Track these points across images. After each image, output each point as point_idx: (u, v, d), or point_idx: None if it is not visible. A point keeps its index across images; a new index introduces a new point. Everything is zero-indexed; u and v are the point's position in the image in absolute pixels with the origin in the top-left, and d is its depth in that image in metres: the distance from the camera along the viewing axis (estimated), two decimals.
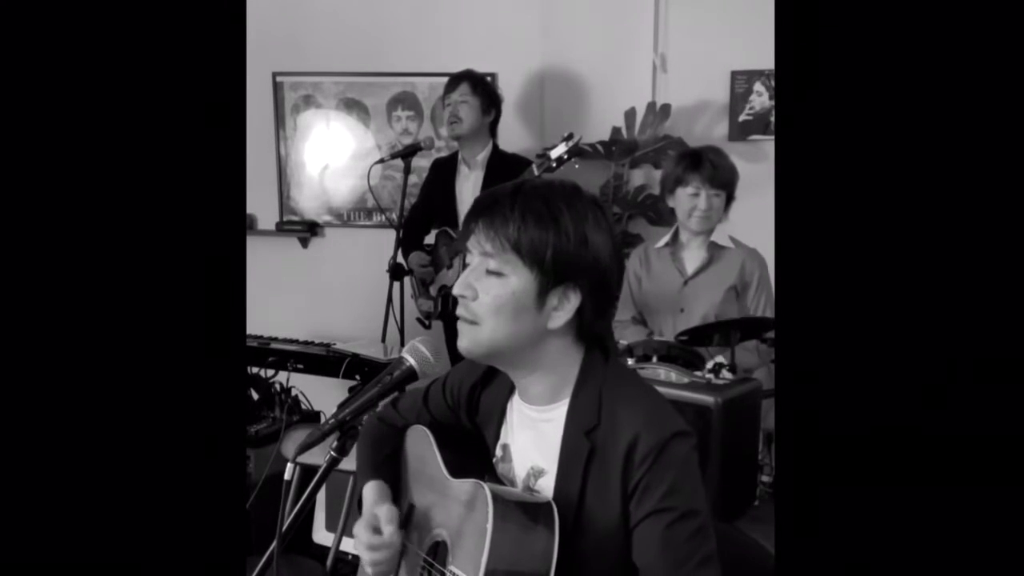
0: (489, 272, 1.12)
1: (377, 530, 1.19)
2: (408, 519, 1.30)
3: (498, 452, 1.26)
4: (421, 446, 1.31)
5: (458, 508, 1.16)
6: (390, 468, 1.35)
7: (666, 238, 2.56)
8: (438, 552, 1.20)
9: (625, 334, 2.55)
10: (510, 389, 1.25)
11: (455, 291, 1.15)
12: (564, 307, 1.12)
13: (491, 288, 1.12)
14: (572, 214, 1.10)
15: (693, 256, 2.50)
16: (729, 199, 2.44)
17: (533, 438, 1.20)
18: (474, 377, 1.30)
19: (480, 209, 1.14)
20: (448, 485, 1.20)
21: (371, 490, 1.30)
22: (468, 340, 1.14)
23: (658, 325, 2.54)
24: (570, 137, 2.76)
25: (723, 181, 2.39)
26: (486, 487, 1.10)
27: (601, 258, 1.12)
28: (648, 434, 1.07)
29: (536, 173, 2.80)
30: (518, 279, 1.11)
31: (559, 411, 1.17)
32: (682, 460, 1.09)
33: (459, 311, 1.15)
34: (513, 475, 1.23)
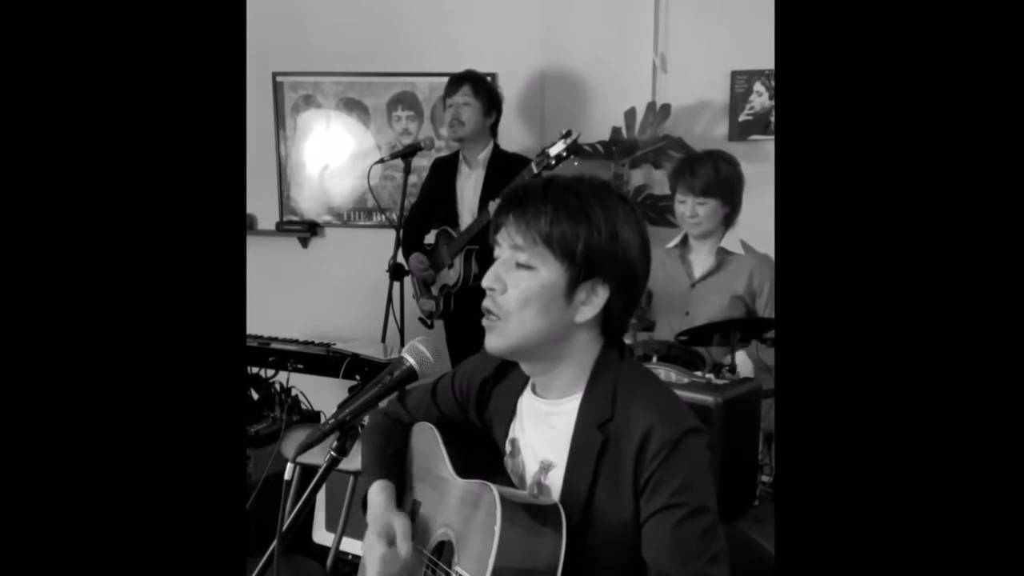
0: (519, 265, 1.13)
1: (391, 542, 1.18)
2: (412, 517, 1.29)
3: (507, 447, 1.26)
4: (428, 443, 1.30)
5: (465, 509, 1.16)
6: (396, 465, 1.35)
7: (676, 239, 2.55)
8: (443, 552, 1.20)
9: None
10: (522, 385, 1.25)
11: (484, 283, 1.15)
12: (592, 301, 1.13)
13: (520, 281, 1.12)
14: (603, 209, 1.11)
15: (701, 260, 2.49)
16: (727, 204, 2.40)
17: (543, 432, 1.20)
18: (486, 372, 1.30)
19: (511, 202, 1.15)
20: (455, 485, 1.20)
21: (379, 492, 1.28)
22: (496, 338, 1.15)
23: (662, 326, 2.53)
24: (568, 134, 2.75)
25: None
26: (494, 489, 1.10)
27: (630, 253, 1.13)
28: (662, 429, 1.07)
29: (535, 171, 2.80)
30: (548, 272, 1.11)
31: (570, 405, 1.17)
32: (695, 457, 1.08)
33: (486, 304, 1.15)
34: (522, 470, 1.22)
